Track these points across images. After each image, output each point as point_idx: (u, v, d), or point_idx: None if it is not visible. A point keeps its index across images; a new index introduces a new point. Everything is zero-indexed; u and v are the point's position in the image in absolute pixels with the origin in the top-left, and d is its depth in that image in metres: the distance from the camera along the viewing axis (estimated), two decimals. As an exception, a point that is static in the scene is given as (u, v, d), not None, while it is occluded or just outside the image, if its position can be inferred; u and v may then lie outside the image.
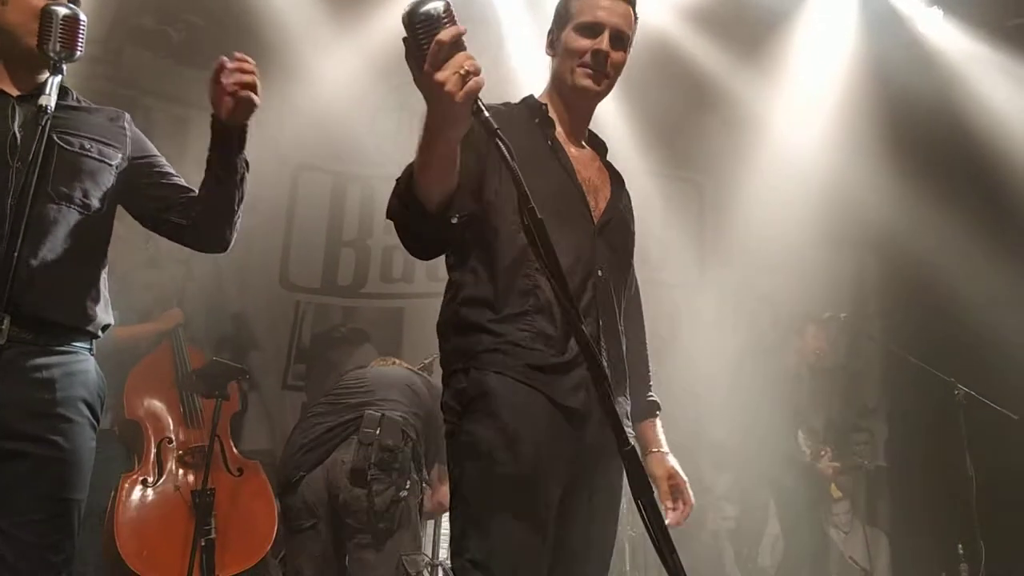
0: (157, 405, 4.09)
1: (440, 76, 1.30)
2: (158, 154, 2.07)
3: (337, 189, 5.68)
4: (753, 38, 5.59)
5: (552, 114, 1.93)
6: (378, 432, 3.15)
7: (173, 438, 4.02)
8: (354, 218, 5.72)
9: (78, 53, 1.77)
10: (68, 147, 1.88)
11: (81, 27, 1.77)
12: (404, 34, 1.35)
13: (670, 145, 5.75)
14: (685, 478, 1.90)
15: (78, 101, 2.00)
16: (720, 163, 5.94)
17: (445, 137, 1.43)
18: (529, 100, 1.99)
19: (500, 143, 1.31)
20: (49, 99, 1.68)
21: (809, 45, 5.63)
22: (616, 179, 2.02)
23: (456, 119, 1.38)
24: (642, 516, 1.23)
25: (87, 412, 1.85)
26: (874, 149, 5.72)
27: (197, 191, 2.00)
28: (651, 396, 2.03)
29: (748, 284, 5.77)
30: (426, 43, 1.30)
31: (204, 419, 4.09)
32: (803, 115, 5.71)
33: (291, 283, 5.54)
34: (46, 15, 1.75)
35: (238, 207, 1.98)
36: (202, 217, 1.98)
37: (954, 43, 5.49)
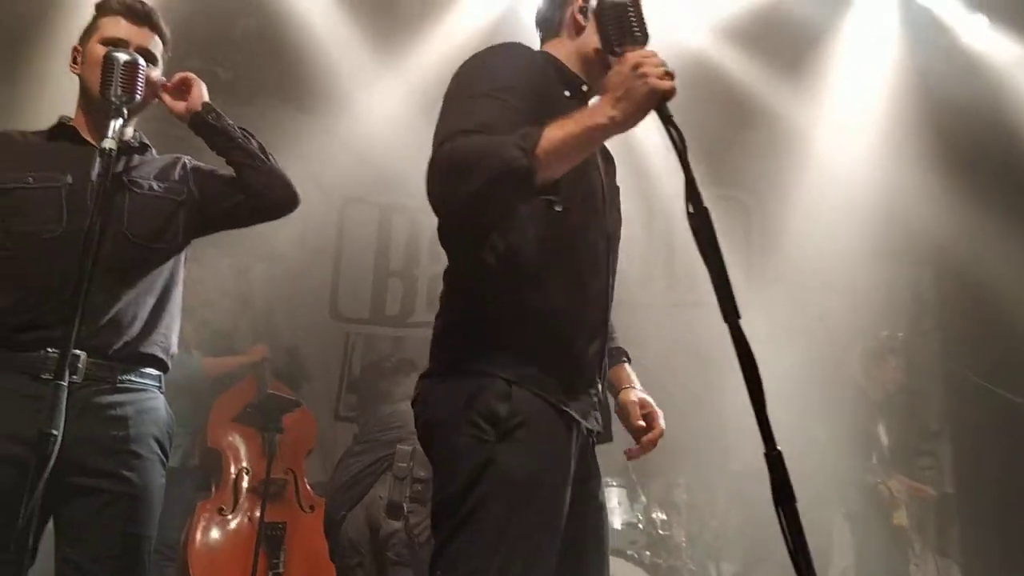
0: (238, 436, 4.18)
1: (654, 76, 1.37)
2: (212, 166, 2.16)
3: (383, 220, 5.76)
4: (793, 54, 5.54)
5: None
6: (411, 465, 3.19)
7: (250, 469, 4.10)
8: (400, 248, 5.79)
9: (137, 97, 1.85)
10: (139, 189, 1.98)
11: (140, 72, 1.85)
12: (602, 18, 1.46)
13: (712, 164, 5.70)
14: (658, 409, 1.82)
15: (153, 153, 2.12)
16: (765, 180, 5.87)
17: (617, 132, 1.43)
18: (559, 66, 1.73)
19: (674, 132, 1.35)
20: (111, 142, 1.75)
21: (851, 58, 5.56)
22: (605, 154, 1.82)
23: (643, 114, 1.40)
24: (782, 526, 1.22)
25: (157, 449, 1.91)
26: (922, 161, 5.61)
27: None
28: (617, 344, 1.91)
29: (800, 303, 5.66)
30: (636, 30, 1.41)
31: (281, 452, 4.16)
32: (848, 129, 5.63)
33: (341, 315, 5.61)
34: (107, 62, 1.84)
35: (263, 161, 2.06)
36: (247, 185, 2.05)
37: (1000, 50, 5.38)
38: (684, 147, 1.36)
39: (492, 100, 1.51)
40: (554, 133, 1.42)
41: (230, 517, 3.90)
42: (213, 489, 3.99)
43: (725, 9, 5.12)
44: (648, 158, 5.23)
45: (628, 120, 1.40)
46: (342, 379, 5.52)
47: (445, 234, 1.69)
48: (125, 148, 1.99)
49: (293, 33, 5.02)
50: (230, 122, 2.07)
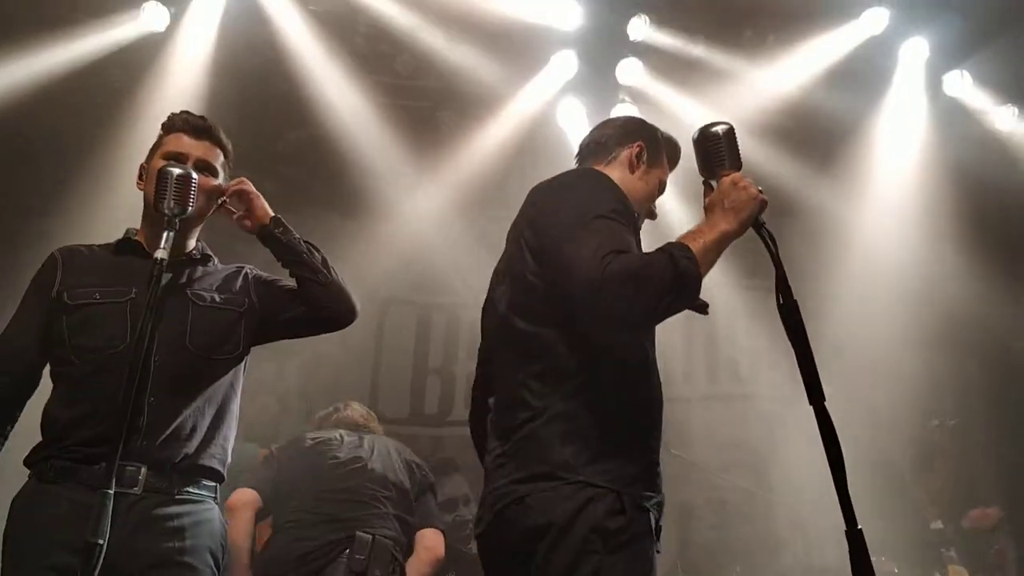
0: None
1: (753, 189, 1.71)
2: (274, 276, 2.21)
3: (422, 319, 5.84)
4: (826, 146, 5.63)
5: None
6: (368, 560, 2.94)
7: None
8: (439, 346, 5.84)
9: (190, 209, 1.89)
10: (201, 301, 2.02)
11: (193, 185, 1.90)
12: (701, 145, 1.74)
13: (750, 256, 5.72)
14: None
15: (216, 263, 2.18)
16: (803, 271, 5.84)
17: (735, 239, 1.71)
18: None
19: (766, 234, 1.67)
20: (163, 252, 1.80)
21: (883, 148, 5.62)
22: None
23: (751, 222, 1.69)
24: None
25: (211, 561, 1.90)
26: (961, 247, 5.57)
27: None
28: None
29: (845, 393, 5.54)
30: (725, 156, 1.71)
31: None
32: (885, 218, 5.64)
33: (381, 415, 5.58)
34: (161, 175, 1.88)
35: (328, 276, 2.11)
36: (310, 298, 2.10)
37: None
38: (776, 247, 1.62)
39: (612, 222, 1.67)
40: (696, 245, 1.64)
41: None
42: None
43: (755, 105, 5.24)
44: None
45: (743, 227, 1.69)
46: (383, 480, 5.47)
47: (576, 343, 1.69)
48: (187, 260, 2.06)
49: (336, 145, 5.25)
50: (296, 236, 2.12)
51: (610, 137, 2.08)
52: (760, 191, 1.69)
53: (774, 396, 5.55)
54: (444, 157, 5.45)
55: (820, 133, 5.61)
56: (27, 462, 1.89)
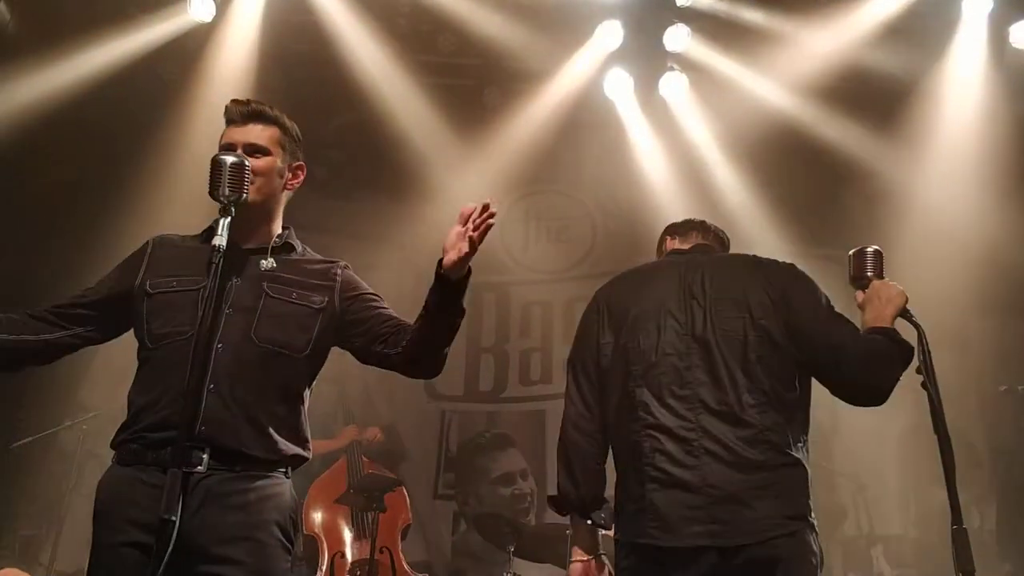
0: (333, 520, 4.20)
1: (899, 286, 2.15)
2: (368, 290, 2.15)
3: (474, 298, 5.83)
4: (884, 108, 5.45)
5: None
6: None
7: (346, 552, 4.10)
8: (491, 325, 5.87)
9: (244, 196, 1.89)
10: (274, 295, 2.01)
11: (247, 173, 1.91)
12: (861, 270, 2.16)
13: (808, 224, 5.61)
14: None
15: (302, 252, 2.15)
16: (864, 238, 5.65)
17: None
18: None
19: (917, 322, 2.07)
20: (220, 239, 1.81)
21: (943, 108, 5.41)
22: None
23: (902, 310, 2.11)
24: None
25: (280, 535, 1.90)
26: (1027, 208, 5.36)
27: (412, 323, 2.04)
28: None
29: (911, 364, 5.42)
30: (876, 268, 2.18)
31: (378, 531, 4.17)
32: (947, 179, 5.44)
33: (436, 392, 5.69)
34: (215, 165, 1.89)
35: (447, 344, 2.04)
36: (412, 349, 2.02)
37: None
38: (924, 333, 2.03)
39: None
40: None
41: (330, 601, 3.90)
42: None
43: (810, 68, 5.10)
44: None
45: (898, 312, 2.07)
46: (439, 457, 5.55)
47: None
48: (269, 248, 2.05)
49: (383, 127, 5.28)
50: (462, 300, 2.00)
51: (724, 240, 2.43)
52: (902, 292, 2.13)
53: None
54: (490, 134, 5.43)
55: (878, 94, 5.43)
56: (111, 445, 1.95)
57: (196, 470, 1.81)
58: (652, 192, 5.50)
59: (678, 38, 5.05)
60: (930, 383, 1.97)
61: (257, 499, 1.88)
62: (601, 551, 2.13)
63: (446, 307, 1.97)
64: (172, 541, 1.61)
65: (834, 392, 2.00)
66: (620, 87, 5.39)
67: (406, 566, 4.20)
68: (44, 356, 2.03)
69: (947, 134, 5.43)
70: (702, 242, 2.31)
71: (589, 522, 2.09)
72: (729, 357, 1.99)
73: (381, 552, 4.08)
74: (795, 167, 5.53)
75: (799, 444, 1.98)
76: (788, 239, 5.35)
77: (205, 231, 2.11)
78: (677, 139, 5.53)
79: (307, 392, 2.07)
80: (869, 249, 2.22)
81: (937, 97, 5.38)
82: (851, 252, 2.23)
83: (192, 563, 1.78)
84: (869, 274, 2.17)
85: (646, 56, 5.27)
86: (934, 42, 5.21)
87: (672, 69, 5.25)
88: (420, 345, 2.01)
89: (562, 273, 5.92)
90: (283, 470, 1.97)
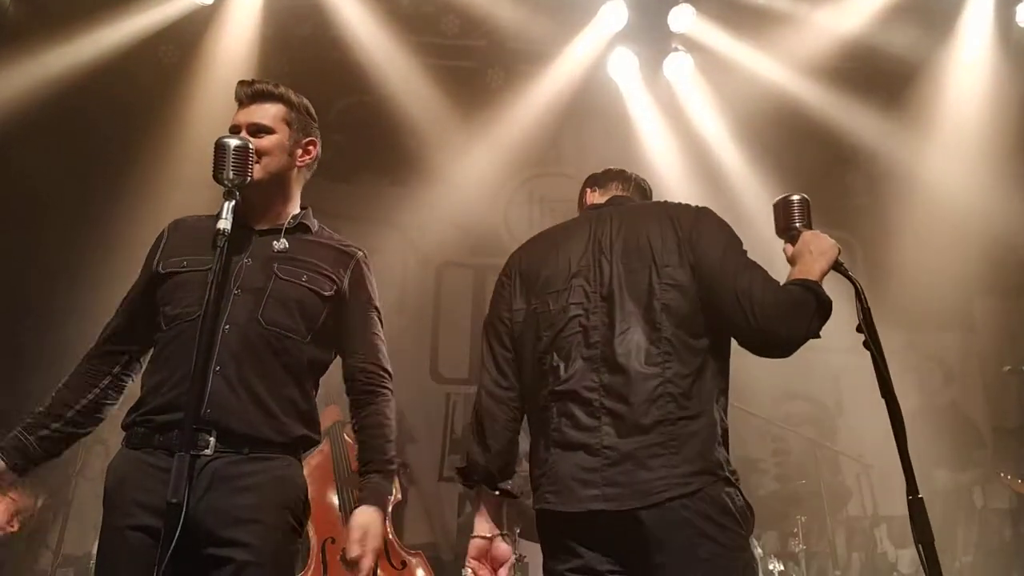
0: (320, 504, 4.19)
1: (830, 238, 1.96)
2: (369, 301, 2.12)
3: (478, 281, 5.86)
4: (890, 89, 5.41)
5: None
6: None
7: (335, 538, 4.09)
8: (496, 308, 5.87)
9: (248, 179, 1.89)
10: (284, 276, 1.98)
11: (251, 156, 1.90)
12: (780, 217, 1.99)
13: (813, 204, 5.58)
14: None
15: (319, 232, 2.12)
16: (869, 219, 5.69)
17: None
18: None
19: (853, 277, 1.92)
20: (225, 223, 1.80)
21: (948, 89, 5.38)
22: None
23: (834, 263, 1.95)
24: (922, 562, 1.62)
25: (289, 517, 1.90)
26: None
27: (364, 388, 2.09)
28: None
29: (913, 343, 5.41)
30: (804, 218, 1.99)
31: None
32: (951, 161, 5.41)
33: (441, 376, 5.70)
34: (219, 148, 1.87)
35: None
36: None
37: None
38: (861, 288, 1.87)
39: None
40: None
41: (322, 589, 3.91)
42: (301, 562, 3.96)
43: (815, 48, 5.06)
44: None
45: (830, 266, 1.92)
46: (445, 440, 5.57)
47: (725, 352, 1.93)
48: (282, 229, 2.03)
49: (386, 109, 5.25)
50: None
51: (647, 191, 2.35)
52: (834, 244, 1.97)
53: (840, 347, 5.44)
54: (494, 116, 5.41)
55: (883, 74, 5.40)
56: (122, 426, 1.95)
57: (203, 453, 1.81)
58: (657, 173, 5.47)
59: (683, 18, 5.02)
60: (872, 342, 1.82)
61: (265, 482, 1.87)
62: (505, 531, 2.04)
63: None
64: (180, 525, 1.61)
65: (740, 342, 1.85)
66: (624, 68, 5.35)
67: (398, 546, 4.21)
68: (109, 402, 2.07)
69: (952, 115, 5.40)
70: (619, 193, 2.21)
71: (497, 492, 2.01)
72: (634, 310, 1.87)
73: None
74: (800, 148, 5.50)
75: (709, 396, 1.82)
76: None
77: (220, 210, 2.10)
78: (682, 120, 5.50)
79: (317, 375, 2.06)
80: (795, 197, 2.03)
81: (943, 78, 5.34)
82: (776, 201, 2.04)
83: (200, 546, 1.78)
84: (797, 224, 1.99)
85: (651, 36, 5.23)
86: (941, 22, 5.17)
87: (677, 50, 5.22)
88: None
89: (567, 256, 5.91)
90: (291, 453, 1.96)
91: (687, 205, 2.04)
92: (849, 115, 5.37)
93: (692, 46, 5.19)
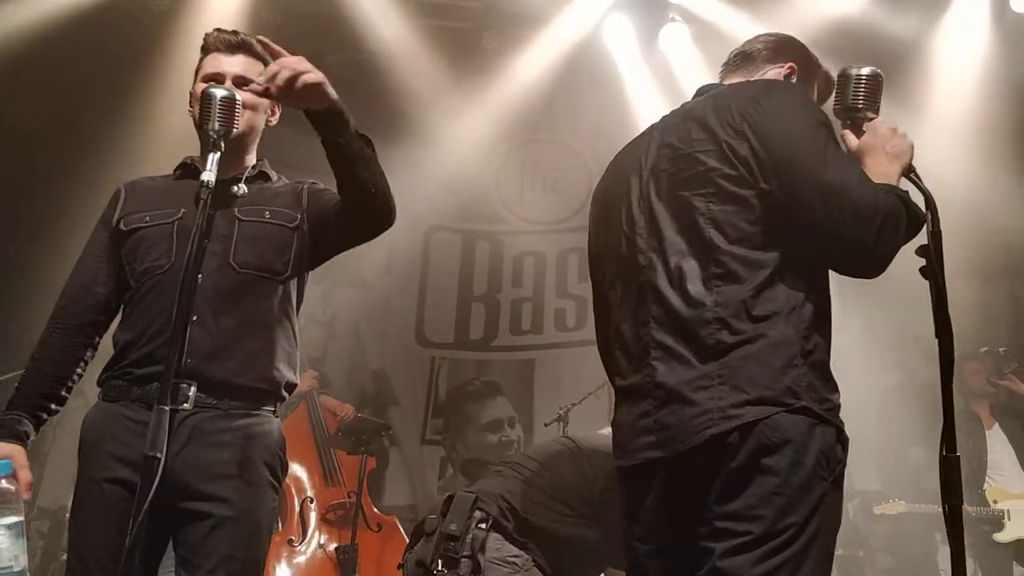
0: (297, 466, 4.23)
1: (908, 138, 1.69)
2: (325, 187, 2.07)
3: (467, 246, 5.85)
4: (881, 68, 5.38)
5: None
6: (443, 517, 2.49)
7: (314, 498, 4.14)
8: (483, 273, 5.87)
9: (235, 131, 1.87)
10: (247, 218, 1.98)
11: (238, 107, 1.88)
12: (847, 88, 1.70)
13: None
14: None
15: (276, 180, 2.10)
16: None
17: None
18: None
19: (920, 181, 1.67)
20: (209, 175, 1.77)
21: (941, 71, 5.37)
22: None
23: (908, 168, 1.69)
24: (947, 521, 1.47)
25: (267, 474, 1.90)
26: (1019, 174, 5.35)
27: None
28: None
29: (896, 324, 5.46)
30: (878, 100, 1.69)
31: (344, 477, 4.21)
32: (939, 142, 5.40)
33: (426, 339, 5.71)
34: (205, 98, 1.86)
35: (365, 179, 1.87)
36: (342, 198, 1.93)
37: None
38: (935, 206, 1.63)
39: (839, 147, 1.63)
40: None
41: (301, 548, 3.96)
42: (280, 522, 4.02)
43: (812, 22, 5.03)
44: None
45: (904, 173, 1.66)
46: (428, 403, 5.60)
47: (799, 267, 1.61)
48: (241, 178, 2.01)
49: (378, 68, 5.19)
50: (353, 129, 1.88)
51: (760, 52, 1.90)
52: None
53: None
54: (487, 80, 5.36)
55: (876, 53, 5.36)
56: (97, 382, 1.95)
57: (183, 407, 1.81)
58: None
59: (680, -12, 4.98)
60: (937, 267, 1.58)
61: (244, 437, 1.87)
62: None
63: (327, 143, 1.84)
64: (157, 478, 1.60)
65: (821, 252, 1.57)
66: (620, 36, 5.30)
67: (375, 509, 4.26)
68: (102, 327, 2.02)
69: (942, 96, 5.40)
70: (708, 84, 1.90)
71: None
72: (680, 228, 1.62)
73: (350, 496, 4.11)
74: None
75: (780, 312, 1.53)
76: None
77: (178, 168, 2.09)
78: (677, 91, 5.47)
79: (294, 316, 2.04)
80: (865, 71, 1.69)
81: (934, 59, 5.34)
82: (841, 71, 1.73)
83: (177, 500, 1.79)
84: (862, 105, 1.68)
85: (647, 5, 5.20)
86: (934, 3, 5.14)
87: (673, 20, 5.18)
88: (343, 191, 1.92)
89: (556, 224, 5.90)
90: (271, 406, 1.96)
91: (750, 82, 1.78)
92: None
93: (689, 16, 5.15)
